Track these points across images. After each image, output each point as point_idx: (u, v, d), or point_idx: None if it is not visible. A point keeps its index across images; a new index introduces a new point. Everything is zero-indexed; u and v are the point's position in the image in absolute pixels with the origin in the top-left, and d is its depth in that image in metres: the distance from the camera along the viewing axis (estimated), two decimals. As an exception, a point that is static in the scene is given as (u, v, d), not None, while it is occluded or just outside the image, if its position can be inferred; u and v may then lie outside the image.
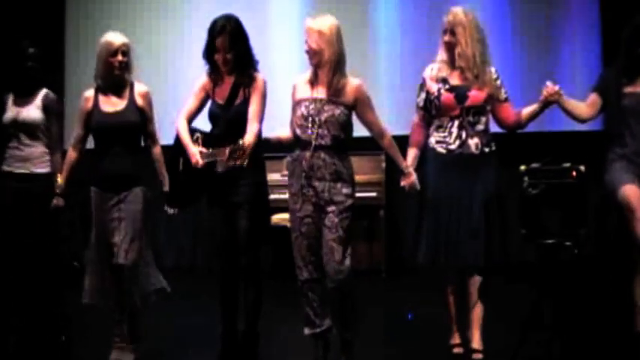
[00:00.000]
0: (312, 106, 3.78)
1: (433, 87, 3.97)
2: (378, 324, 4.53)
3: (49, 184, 4.37)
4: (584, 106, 4.03)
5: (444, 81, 3.95)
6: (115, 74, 4.05)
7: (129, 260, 4.00)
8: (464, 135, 3.91)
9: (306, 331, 3.92)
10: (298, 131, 3.81)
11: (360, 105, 3.82)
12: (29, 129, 4.49)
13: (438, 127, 3.98)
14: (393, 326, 4.95)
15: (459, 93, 3.91)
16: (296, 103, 3.86)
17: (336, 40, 3.73)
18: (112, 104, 4.08)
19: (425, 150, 4.04)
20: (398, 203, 6.39)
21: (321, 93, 3.80)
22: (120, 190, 4.03)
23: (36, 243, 4.37)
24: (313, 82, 3.83)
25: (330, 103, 3.77)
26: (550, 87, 3.87)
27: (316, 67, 3.78)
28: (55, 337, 4.39)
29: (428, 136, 4.03)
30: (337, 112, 3.77)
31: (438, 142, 3.97)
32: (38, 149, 4.52)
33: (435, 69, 4.00)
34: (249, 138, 3.78)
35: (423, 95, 4.02)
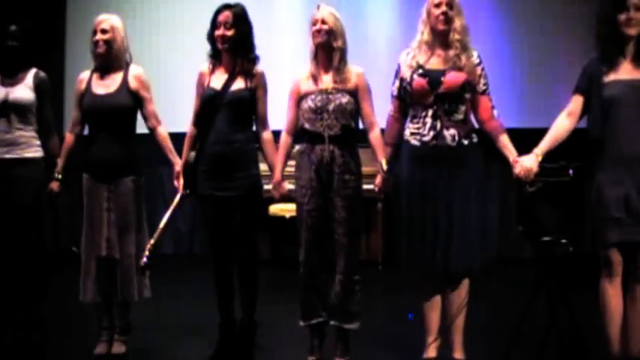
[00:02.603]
0: (319, 98, 3.80)
1: (407, 73, 3.73)
2: (374, 315, 4.54)
3: (40, 168, 4.21)
4: (563, 122, 3.58)
5: (419, 66, 3.70)
6: (97, 53, 4.01)
7: (119, 253, 4.00)
8: (438, 125, 3.65)
9: (302, 323, 3.95)
10: (307, 125, 3.82)
11: (360, 92, 3.84)
12: (20, 110, 4.20)
13: (413, 118, 3.74)
14: (389, 318, 4.97)
15: (433, 78, 3.64)
16: (301, 98, 3.86)
17: (343, 25, 3.84)
18: (104, 86, 4.03)
19: (400, 143, 3.81)
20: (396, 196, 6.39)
21: (326, 83, 3.82)
22: (110, 179, 3.99)
23: (25, 231, 4.21)
24: (316, 76, 3.85)
25: (336, 92, 3.79)
26: (521, 174, 3.53)
27: (326, 50, 3.80)
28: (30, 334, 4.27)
29: (404, 129, 3.80)
30: (344, 100, 3.79)
31: (412, 133, 3.72)
32: (28, 132, 4.24)
33: (410, 54, 3.76)
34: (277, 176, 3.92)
35: (398, 83, 3.79)
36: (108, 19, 4.03)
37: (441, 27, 3.68)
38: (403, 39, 6.67)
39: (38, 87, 4.28)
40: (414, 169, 3.73)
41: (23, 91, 4.24)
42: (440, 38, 3.71)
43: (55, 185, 4.19)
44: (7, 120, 4.21)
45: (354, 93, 3.83)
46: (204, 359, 4.02)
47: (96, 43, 4.00)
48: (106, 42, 3.99)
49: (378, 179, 3.80)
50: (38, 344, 4.26)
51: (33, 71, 4.31)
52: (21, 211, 4.19)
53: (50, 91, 4.38)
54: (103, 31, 3.99)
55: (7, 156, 4.21)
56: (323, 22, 3.78)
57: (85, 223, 4.08)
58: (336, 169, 3.79)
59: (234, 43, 3.90)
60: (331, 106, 3.78)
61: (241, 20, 3.92)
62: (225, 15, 3.89)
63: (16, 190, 4.18)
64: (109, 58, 4.03)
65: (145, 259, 3.88)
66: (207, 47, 4.01)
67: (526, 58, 6.99)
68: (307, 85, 3.86)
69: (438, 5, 3.67)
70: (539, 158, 3.53)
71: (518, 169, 3.55)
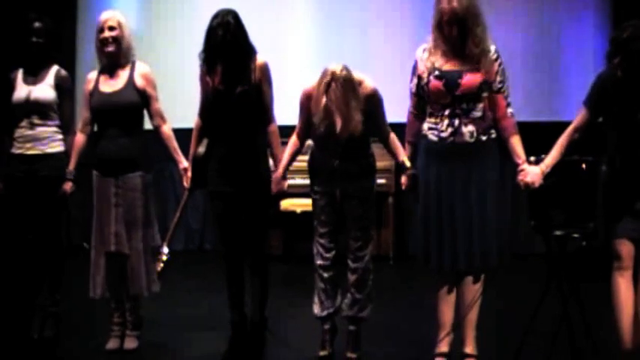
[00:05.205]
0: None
1: (424, 72, 3.64)
2: (385, 310, 4.54)
3: (62, 164, 4.23)
4: (570, 137, 3.57)
5: (435, 68, 3.60)
6: (105, 51, 4.02)
7: (127, 248, 4.02)
8: (457, 122, 3.58)
9: (315, 310, 3.95)
10: (318, 139, 3.83)
11: (372, 109, 3.78)
12: (42, 108, 4.26)
13: (431, 115, 3.67)
14: (400, 312, 4.97)
15: (449, 80, 3.56)
16: (310, 114, 3.77)
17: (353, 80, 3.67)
18: (110, 85, 4.05)
19: (419, 139, 3.73)
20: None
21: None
22: (118, 174, 4.01)
23: (46, 226, 4.27)
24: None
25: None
26: (521, 184, 3.57)
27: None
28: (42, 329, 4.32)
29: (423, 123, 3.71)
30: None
31: (430, 128, 3.66)
32: (50, 128, 4.28)
33: (426, 53, 3.64)
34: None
35: (416, 80, 3.69)
36: (114, 16, 4.04)
37: (448, 46, 3.59)
38: (416, 37, 6.76)
39: (59, 86, 4.31)
40: (431, 163, 3.67)
41: (45, 90, 4.28)
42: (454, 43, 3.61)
43: (67, 186, 4.21)
44: (29, 118, 4.27)
45: (366, 112, 3.74)
46: (215, 354, 4.03)
47: (104, 41, 4.01)
48: (115, 39, 4.01)
49: (404, 179, 3.76)
50: (51, 340, 4.29)
51: (54, 69, 4.35)
52: (42, 208, 4.24)
53: (71, 89, 4.42)
54: (111, 28, 4.00)
55: (31, 152, 4.27)
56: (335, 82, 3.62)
57: (95, 219, 4.11)
58: (350, 173, 3.79)
59: (231, 51, 3.79)
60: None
61: (232, 26, 3.78)
62: (221, 30, 3.75)
63: (38, 187, 4.23)
64: (117, 56, 4.04)
65: (162, 264, 3.89)
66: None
67: (532, 50, 6.97)
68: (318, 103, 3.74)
69: (447, 23, 3.53)
70: (544, 174, 3.54)
71: (521, 178, 3.57)
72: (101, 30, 4.01)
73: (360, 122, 3.67)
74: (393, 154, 3.87)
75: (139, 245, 4.05)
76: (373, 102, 3.78)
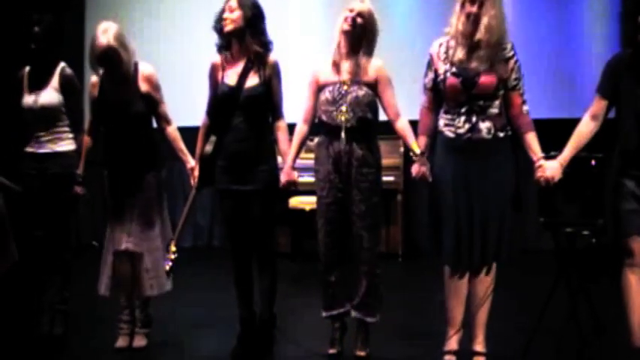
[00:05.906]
0: (336, 90, 3.79)
1: (440, 67, 3.62)
2: (394, 308, 4.53)
3: (73, 161, 4.23)
4: (587, 127, 3.54)
5: (452, 64, 3.57)
6: (104, 73, 4.01)
7: (140, 248, 4.03)
8: (474, 119, 3.56)
9: (324, 313, 3.96)
10: (324, 117, 3.82)
11: (381, 84, 3.82)
12: (50, 113, 4.24)
13: (446, 111, 3.64)
14: (409, 310, 4.96)
15: (466, 78, 3.54)
16: (319, 88, 3.85)
17: (375, 21, 3.82)
18: (115, 93, 4.01)
19: (435, 134, 3.70)
20: (415, 188, 6.38)
21: (345, 75, 3.81)
22: (132, 177, 4.03)
23: (56, 224, 4.29)
24: (338, 66, 3.83)
25: (353, 84, 3.78)
26: (541, 181, 3.52)
27: (350, 40, 3.77)
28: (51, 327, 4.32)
29: (438, 119, 3.69)
30: (361, 93, 3.78)
31: (446, 124, 3.63)
32: (61, 128, 4.28)
33: (443, 47, 3.62)
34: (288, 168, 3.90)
35: (431, 75, 3.66)
36: (107, 41, 3.87)
37: (468, 26, 3.54)
38: (420, 36, 6.74)
39: (64, 86, 4.28)
40: (448, 159, 3.64)
41: (50, 94, 4.26)
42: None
43: (78, 189, 4.21)
44: (38, 122, 4.27)
45: (373, 86, 3.81)
46: (224, 352, 4.03)
47: (101, 70, 3.98)
48: (111, 65, 3.93)
49: (414, 167, 3.68)
50: (59, 337, 4.30)
51: (59, 69, 4.31)
52: (52, 206, 4.25)
53: (78, 88, 4.38)
54: (104, 61, 3.91)
55: (41, 151, 4.28)
56: (359, 14, 3.76)
57: (109, 218, 4.12)
58: (354, 162, 3.78)
59: (239, 27, 3.79)
60: (348, 98, 3.77)
61: (247, 3, 3.80)
62: (230, 1, 3.80)
63: (48, 185, 4.25)
64: (118, 72, 3.97)
65: (170, 263, 3.89)
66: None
67: (549, 47, 6.95)
68: (326, 76, 3.85)
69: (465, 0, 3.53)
70: (563, 168, 3.50)
71: (539, 174, 3.53)
72: (96, 52, 3.90)
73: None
74: (402, 136, 3.83)
75: (155, 244, 4.06)
76: (383, 76, 3.82)
